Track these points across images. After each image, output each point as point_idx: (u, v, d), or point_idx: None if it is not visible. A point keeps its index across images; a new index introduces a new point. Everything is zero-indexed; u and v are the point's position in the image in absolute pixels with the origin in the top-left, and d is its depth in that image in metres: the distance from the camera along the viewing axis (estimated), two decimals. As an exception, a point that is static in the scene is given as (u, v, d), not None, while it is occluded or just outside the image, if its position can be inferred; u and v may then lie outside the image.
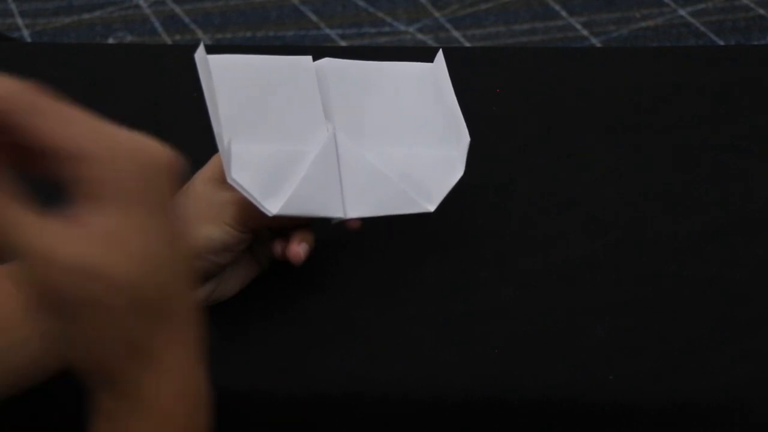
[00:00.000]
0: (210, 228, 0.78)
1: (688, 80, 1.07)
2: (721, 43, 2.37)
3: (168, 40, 2.41)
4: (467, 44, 2.40)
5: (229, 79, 0.79)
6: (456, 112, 0.85)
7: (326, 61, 0.84)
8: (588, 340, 0.81)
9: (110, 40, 2.41)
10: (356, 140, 0.83)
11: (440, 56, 0.87)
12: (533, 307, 0.84)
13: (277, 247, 0.81)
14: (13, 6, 2.53)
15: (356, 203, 0.81)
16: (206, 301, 0.82)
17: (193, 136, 1.01)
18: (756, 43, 2.38)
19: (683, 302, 0.84)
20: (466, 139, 0.84)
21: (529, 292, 0.85)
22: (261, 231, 0.82)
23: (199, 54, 0.77)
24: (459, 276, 0.86)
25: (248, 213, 0.78)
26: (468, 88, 1.07)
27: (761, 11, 2.47)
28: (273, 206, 0.78)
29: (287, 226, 0.81)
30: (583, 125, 1.01)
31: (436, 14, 2.49)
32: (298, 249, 0.80)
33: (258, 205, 0.77)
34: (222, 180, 0.79)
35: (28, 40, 2.40)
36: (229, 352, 0.81)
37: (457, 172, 0.84)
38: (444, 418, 0.79)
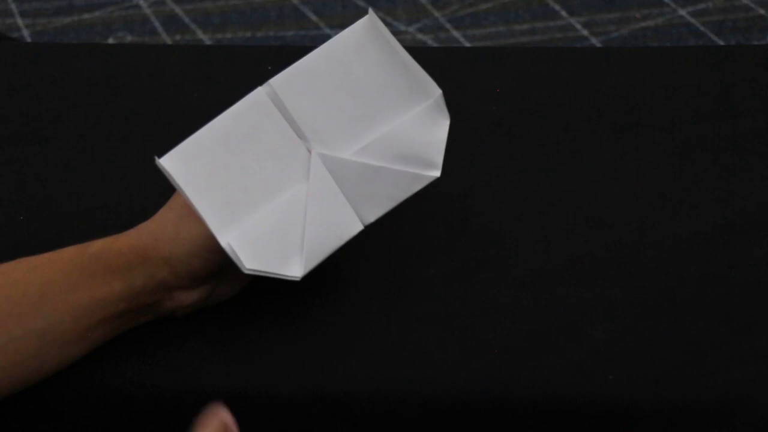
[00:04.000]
0: (193, 219, 0.77)
1: (688, 80, 1.07)
2: (721, 43, 2.37)
3: (168, 40, 2.41)
4: (467, 44, 2.40)
5: (192, 173, 0.76)
6: (409, 62, 0.83)
7: (274, 81, 0.81)
8: (588, 340, 0.81)
9: (110, 40, 2.41)
10: (335, 145, 0.81)
11: (371, 12, 0.83)
12: (533, 307, 0.84)
13: None
14: (13, 6, 2.53)
15: (368, 207, 0.81)
16: (204, 302, 0.82)
17: (193, 136, 1.01)
18: (756, 43, 2.38)
19: (683, 302, 0.84)
20: (434, 88, 0.83)
21: (528, 292, 0.85)
22: None
23: (160, 164, 0.75)
24: (459, 276, 0.86)
25: None
26: (468, 88, 1.07)
27: (761, 11, 2.47)
28: (297, 270, 0.77)
29: None
30: (583, 125, 1.01)
31: (436, 14, 2.49)
32: None
33: (285, 278, 0.77)
34: None
35: (28, 40, 2.40)
36: (230, 353, 0.81)
37: (443, 122, 0.83)
38: (444, 418, 0.79)
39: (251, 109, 0.80)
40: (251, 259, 0.76)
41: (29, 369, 0.77)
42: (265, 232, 0.77)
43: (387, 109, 0.83)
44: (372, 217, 0.81)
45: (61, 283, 0.77)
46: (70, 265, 0.78)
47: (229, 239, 0.76)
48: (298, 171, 0.80)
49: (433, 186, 0.90)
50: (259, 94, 0.80)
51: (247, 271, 0.76)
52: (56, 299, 0.76)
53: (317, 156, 0.80)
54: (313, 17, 2.49)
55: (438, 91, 0.83)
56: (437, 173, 0.83)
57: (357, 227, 0.80)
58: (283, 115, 0.80)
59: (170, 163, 0.76)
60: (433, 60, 1.15)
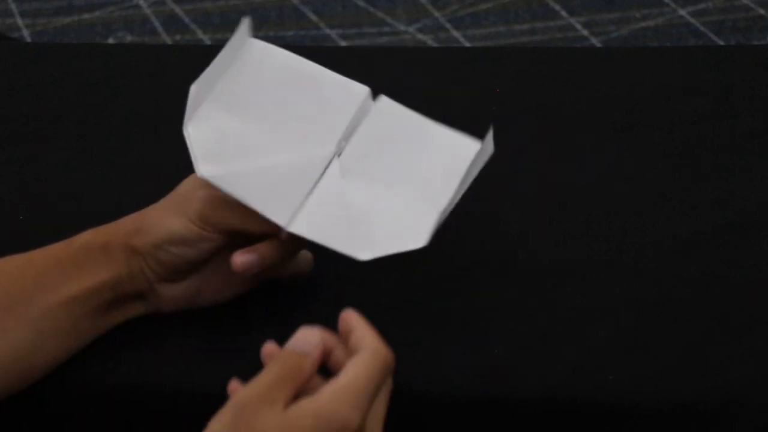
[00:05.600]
0: (172, 219, 0.78)
1: (688, 80, 1.07)
2: (721, 43, 2.37)
3: (168, 40, 2.41)
4: (467, 44, 2.40)
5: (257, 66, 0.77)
6: (454, 186, 0.79)
7: (384, 102, 0.81)
8: (588, 340, 0.81)
9: (110, 40, 2.41)
10: (351, 177, 0.80)
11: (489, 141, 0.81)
12: (533, 307, 0.84)
13: (235, 258, 0.78)
14: (13, 6, 2.53)
15: (305, 223, 0.77)
16: (192, 299, 0.81)
17: (193, 136, 1.01)
18: (756, 43, 2.38)
19: (683, 302, 0.84)
20: (438, 210, 0.77)
21: (529, 292, 0.85)
22: (239, 238, 0.80)
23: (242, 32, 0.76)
24: (459, 276, 0.86)
25: (213, 211, 0.77)
26: (468, 88, 1.07)
27: (761, 11, 2.47)
28: (207, 169, 0.75)
29: (255, 234, 0.79)
30: (583, 125, 1.01)
31: (436, 14, 2.49)
32: (241, 257, 0.77)
33: (195, 163, 0.75)
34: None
35: (28, 40, 2.41)
36: (230, 353, 0.81)
37: (416, 241, 0.76)
38: (443, 418, 0.79)
39: (341, 87, 0.81)
40: (210, 165, 0.74)
41: (25, 364, 0.77)
42: (227, 135, 0.77)
43: (403, 187, 0.80)
44: (296, 229, 0.77)
45: (54, 275, 0.78)
46: (61, 257, 0.79)
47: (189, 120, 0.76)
48: (309, 149, 0.79)
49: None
50: (362, 88, 0.82)
51: (200, 174, 0.75)
52: (49, 291, 0.77)
53: (331, 159, 0.79)
54: (313, 17, 2.49)
55: (438, 212, 0.77)
56: (363, 258, 0.77)
57: (279, 219, 0.76)
58: (353, 120, 0.80)
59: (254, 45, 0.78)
60: (433, 60, 1.15)
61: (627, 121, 1.02)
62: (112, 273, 0.78)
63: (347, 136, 0.81)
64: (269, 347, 0.69)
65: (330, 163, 0.80)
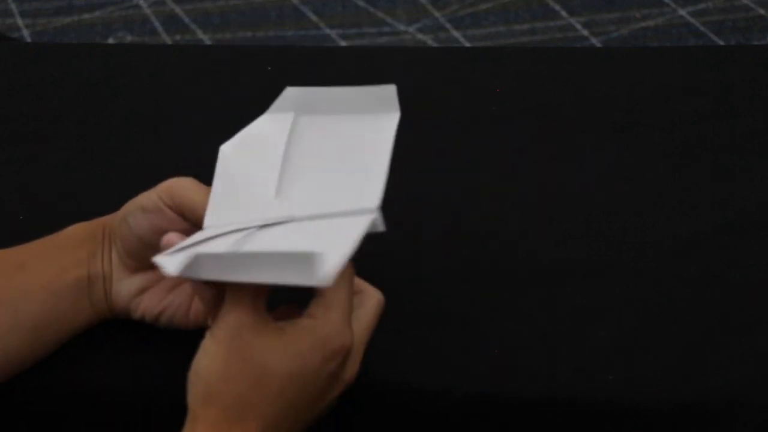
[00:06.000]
0: (143, 194, 0.79)
1: (688, 80, 1.07)
2: (721, 43, 2.37)
3: (168, 40, 2.41)
4: (467, 44, 2.40)
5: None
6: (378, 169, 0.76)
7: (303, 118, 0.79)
8: (588, 340, 0.81)
9: (110, 40, 2.41)
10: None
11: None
12: (533, 307, 0.84)
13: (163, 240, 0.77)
14: (13, 6, 2.53)
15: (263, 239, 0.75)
16: (132, 301, 0.80)
17: (192, 136, 1.01)
18: (756, 43, 2.38)
19: (683, 302, 0.84)
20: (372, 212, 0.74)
21: (529, 292, 0.85)
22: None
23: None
24: (459, 276, 0.86)
25: (177, 188, 0.77)
26: (468, 88, 1.07)
27: (761, 11, 2.47)
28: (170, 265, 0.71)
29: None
30: (583, 125, 1.01)
31: (436, 14, 2.49)
32: (170, 236, 0.76)
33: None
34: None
35: (28, 40, 2.40)
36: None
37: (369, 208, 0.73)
38: (443, 418, 0.79)
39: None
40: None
41: (4, 349, 0.77)
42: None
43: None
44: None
45: (36, 257, 0.80)
46: (46, 244, 0.81)
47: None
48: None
49: (434, 186, 0.91)
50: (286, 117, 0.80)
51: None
52: (29, 270, 0.79)
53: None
54: (313, 17, 2.49)
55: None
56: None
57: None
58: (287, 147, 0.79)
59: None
60: (433, 60, 1.15)
61: (627, 121, 1.02)
62: (89, 251, 0.80)
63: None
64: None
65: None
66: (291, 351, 0.68)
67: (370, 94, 0.79)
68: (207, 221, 0.76)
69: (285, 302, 0.75)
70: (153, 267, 0.79)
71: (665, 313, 0.83)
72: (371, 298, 0.75)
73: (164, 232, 0.76)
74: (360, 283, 0.75)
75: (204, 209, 0.77)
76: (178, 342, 0.81)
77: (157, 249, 0.75)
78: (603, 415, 0.78)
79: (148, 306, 0.80)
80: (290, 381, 0.68)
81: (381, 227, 0.73)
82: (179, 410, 0.76)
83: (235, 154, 0.79)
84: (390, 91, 0.78)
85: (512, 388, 0.79)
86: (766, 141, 0.99)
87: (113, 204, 0.93)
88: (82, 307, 0.80)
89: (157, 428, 0.81)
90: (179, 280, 0.79)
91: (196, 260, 0.69)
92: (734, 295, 0.84)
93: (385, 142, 0.77)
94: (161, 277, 0.80)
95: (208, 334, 0.69)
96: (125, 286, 0.80)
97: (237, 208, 0.77)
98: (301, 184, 0.78)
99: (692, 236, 0.89)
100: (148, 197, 0.78)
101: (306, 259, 0.66)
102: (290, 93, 0.81)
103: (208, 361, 0.68)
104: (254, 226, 0.75)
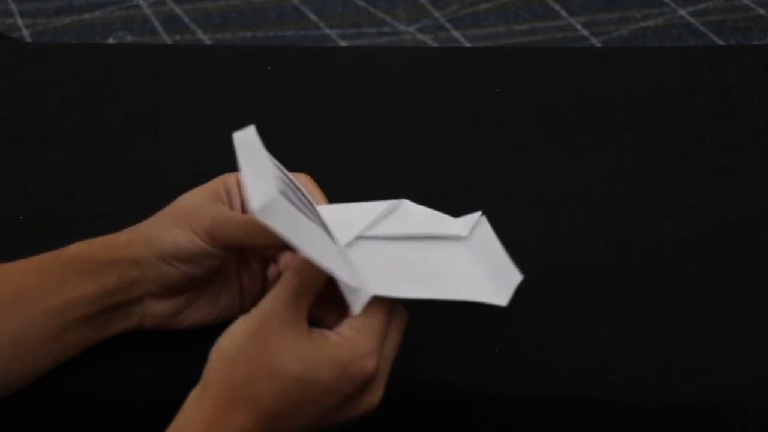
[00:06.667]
0: (177, 232, 0.76)
1: (688, 80, 1.07)
2: (721, 43, 2.37)
3: (168, 40, 2.41)
4: (467, 44, 2.40)
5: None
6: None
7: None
8: (588, 340, 0.81)
9: (110, 40, 2.41)
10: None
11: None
12: (534, 307, 0.84)
13: (272, 271, 0.78)
14: (13, 6, 2.53)
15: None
16: (176, 318, 0.80)
17: (192, 136, 1.01)
18: (756, 43, 2.38)
19: (683, 302, 0.84)
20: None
21: (529, 292, 0.85)
22: (248, 260, 0.79)
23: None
24: (459, 276, 0.86)
25: (221, 227, 0.75)
26: (468, 88, 1.07)
27: (761, 11, 2.47)
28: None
29: (261, 249, 0.78)
30: (583, 125, 1.01)
31: (436, 14, 2.49)
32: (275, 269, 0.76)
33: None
34: (218, 198, 0.77)
35: (28, 40, 2.41)
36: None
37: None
38: (443, 418, 0.79)
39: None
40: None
41: (3, 373, 0.76)
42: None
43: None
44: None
45: (36, 285, 0.76)
46: (45, 268, 0.77)
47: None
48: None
49: (433, 185, 0.91)
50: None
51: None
52: (29, 301, 0.76)
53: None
54: (313, 17, 2.49)
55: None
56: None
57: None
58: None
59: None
60: (433, 60, 1.15)
61: (627, 121, 1.02)
62: (97, 286, 0.76)
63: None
64: (286, 258, 0.73)
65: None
66: (307, 358, 0.68)
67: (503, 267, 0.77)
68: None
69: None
70: (194, 286, 0.78)
71: (665, 313, 0.83)
72: (401, 323, 0.73)
73: (214, 267, 0.77)
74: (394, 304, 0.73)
75: (250, 235, 0.75)
76: (179, 342, 0.81)
77: (205, 277, 0.76)
78: (603, 414, 0.78)
79: (197, 319, 0.79)
80: (297, 384, 0.68)
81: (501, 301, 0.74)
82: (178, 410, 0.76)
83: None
84: (515, 279, 0.76)
85: (512, 388, 0.79)
86: (766, 141, 0.99)
87: (113, 204, 0.93)
88: (93, 336, 0.78)
89: (157, 428, 0.81)
90: (228, 284, 0.79)
91: (294, 218, 0.68)
92: (734, 295, 0.84)
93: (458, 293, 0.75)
94: (207, 288, 0.79)
95: (241, 316, 0.69)
96: (161, 310, 0.79)
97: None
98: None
99: (692, 236, 0.89)
100: (193, 242, 0.75)
101: (357, 284, 0.69)
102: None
103: (229, 341, 0.68)
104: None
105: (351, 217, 0.76)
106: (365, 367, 0.69)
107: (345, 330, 0.69)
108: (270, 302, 0.68)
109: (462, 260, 0.76)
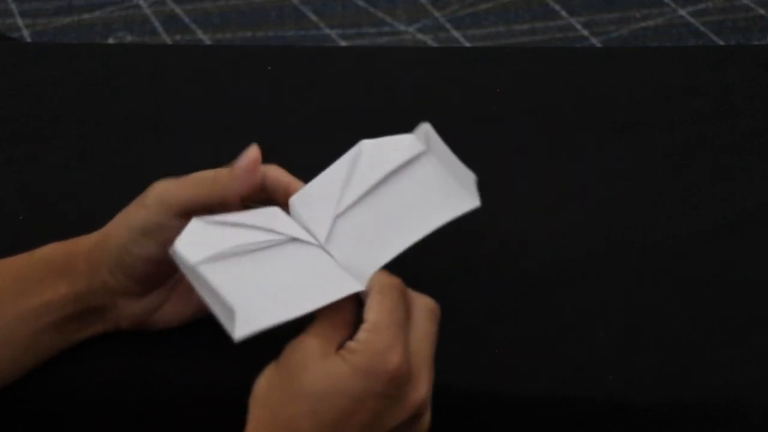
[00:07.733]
0: (131, 215, 0.76)
1: (688, 80, 1.07)
2: (721, 43, 2.37)
3: (168, 40, 2.41)
4: (467, 44, 2.40)
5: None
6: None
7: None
8: (588, 340, 0.81)
9: (110, 40, 2.41)
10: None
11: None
12: (533, 307, 0.84)
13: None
14: (13, 6, 2.53)
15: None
16: (151, 316, 0.79)
17: (192, 136, 1.01)
18: (756, 43, 2.38)
19: (683, 302, 0.84)
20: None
21: (528, 292, 0.85)
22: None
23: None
24: (458, 276, 0.86)
25: (168, 191, 0.75)
26: (468, 88, 1.07)
27: (761, 11, 2.47)
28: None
29: (214, 204, 0.75)
30: (583, 125, 1.01)
31: (436, 14, 2.49)
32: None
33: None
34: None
35: (28, 40, 2.41)
36: (231, 351, 0.81)
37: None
38: (443, 418, 0.79)
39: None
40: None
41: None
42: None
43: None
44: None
45: (11, 287, 0.76)
46: (20, 270, 0.77)
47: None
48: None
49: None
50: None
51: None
52: (5, 304, 0.76)
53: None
54: (313, 17, 2.49)
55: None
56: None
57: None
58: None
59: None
60: (433, 60, 1.15)
61: (627, 121, 1.02)
62: (72, 287, 0.76)
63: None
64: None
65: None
66: (330, 373, 0.67)
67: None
68: (295, 201, 0.75)
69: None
70: (166, 282, 0.78)
71: (665, 313, 0.83)
72: (426, 312, 0.72)
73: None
74: (410, 293, 0.73)
75: (197, 190, 0.74)
76: (178, 341, 0.81)
77: (168, 264, 0.72)
78: (603, 414, 0.78)
79: (175, 316, 0.79)
80: (326, 401, 0.67)
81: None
82: (178, 410, 0.76)
83: (351, 160, 0.77)
84: (471, 178, 0.78)
85: (512, 388, 0.79)
86: (766, 141, 0.99)
87: (113, 204, 0.93)
88: (68, 338, 0.78)
89: (157, 429, 0.81)
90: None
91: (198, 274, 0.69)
92: (734, 295, 0.84)
93: (439, 219, 0.77)
94: (178, 285, 0.79)
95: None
96: (135, 310, 0.78)
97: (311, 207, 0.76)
98: (353, 222, 0.76)
99: (692, 236, 0.89)
100: (143, 218, 0.75)
101: (230, 310, 0.68)
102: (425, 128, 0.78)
103: (258, 387, 0.69)
104: (288, 237, 0.74)
105: (321, 192, 0.76)
106: (388, 363, 0.67)
107: (360, 335, 0.69)
108: (297, 344, 0.69)
109: (430, 177, 0.78)
